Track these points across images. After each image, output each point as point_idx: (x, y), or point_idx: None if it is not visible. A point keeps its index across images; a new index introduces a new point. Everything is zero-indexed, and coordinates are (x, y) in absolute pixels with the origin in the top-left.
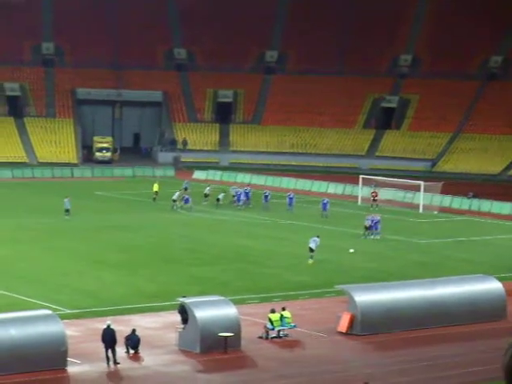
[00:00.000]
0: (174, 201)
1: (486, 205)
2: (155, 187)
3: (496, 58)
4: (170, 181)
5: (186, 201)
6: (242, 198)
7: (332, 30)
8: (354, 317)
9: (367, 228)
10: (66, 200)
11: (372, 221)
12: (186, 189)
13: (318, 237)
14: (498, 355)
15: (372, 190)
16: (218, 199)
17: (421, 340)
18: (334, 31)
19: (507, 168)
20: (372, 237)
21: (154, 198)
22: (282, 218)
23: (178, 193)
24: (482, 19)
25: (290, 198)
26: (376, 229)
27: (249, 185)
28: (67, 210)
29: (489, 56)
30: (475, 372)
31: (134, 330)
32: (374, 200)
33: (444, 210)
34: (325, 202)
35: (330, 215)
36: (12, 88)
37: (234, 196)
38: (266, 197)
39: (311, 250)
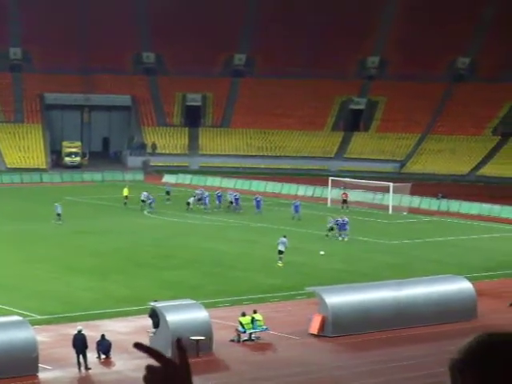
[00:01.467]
0: (143, 201)
1: (455, 205)
2: (125, 192)
3: (463, 59)
4: (139, 185)
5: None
6: (208, 201)
7: (300, 33)
8: (325, 318)
9: (331, 229)
10: (57, 205)
11: (338, 222)
12: (168, 192)
13: (284, 237)
14: None
15: (342, 192)
16: (188, 203)
17: (392, 341)
18: (302, 34)
19: (475, 168)
20: (340, 238)
21: (125, 203)
22: (252, 221)
23: (145, 193)
24: (448, 21)
25: (258, 201)
26: (344, 230)
27: (220, 188)
28: (59, 215)
29: (456, 57)
30: (444, 372)
31: (103, 336)
32: (344, 201)
33: (413, 210)
34: (296, 204)
35: (302, 217)
36: None
37: (200, 200)
38: (236, 200)
39: (280, 252)
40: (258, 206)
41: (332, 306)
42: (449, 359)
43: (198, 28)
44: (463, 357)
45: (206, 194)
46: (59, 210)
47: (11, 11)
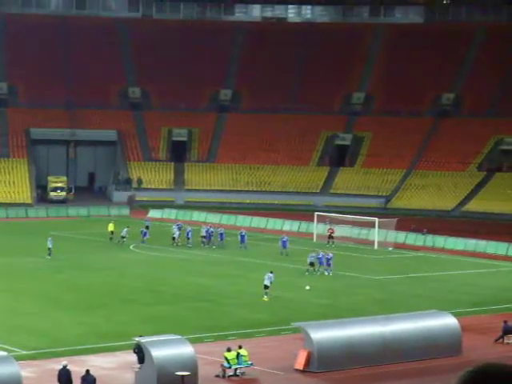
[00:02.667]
0: (123, 237)
1: (440, 241)
2: (110, 227)
3: (448, 95)
4: (125, 220)
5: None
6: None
7: (285, 69)
8: (311, 354)
9: (311, 264)
10: (49, 239)
11: (320, 257)
12: (147, 227)
13: (271, 272)
14: None
15: (328, 227)
16: (173, 238)
17: (377, 377)
18: (288, 69)
19: (460, 204)
20: (326, 273)
21: (111, 238)
22: (237, 256)
23: (126, 229)
24: (433, 57)
25: (242, 236)
26: (329, 265)
27: (209, 224)
28: (49, 249)
29: (441, 93)
30: None
31: (87, 371)
32: (330, 237)
33: (399, 246)
34: (284, 239)
35: (290, 252)
36: None
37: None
38: (221, 235)
39: (266, 286)
40: (242, 241)
41: (317, 341)
42: None
43: (184, 63)
44: None
45: (189, 228)
46: (50, 245)
47: None
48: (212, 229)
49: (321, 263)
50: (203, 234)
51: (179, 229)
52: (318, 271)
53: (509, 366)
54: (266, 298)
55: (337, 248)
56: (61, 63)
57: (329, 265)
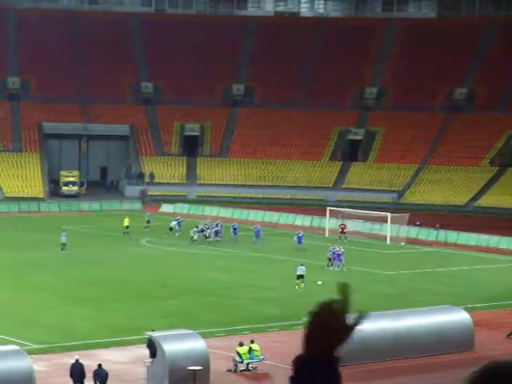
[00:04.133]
0: (171, 229)
1: (453, 236)
2: (126, 222)
3: (460, 90)
4: (137, 214)
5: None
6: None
7: (298, 63)
8: None
9: (330, 259)
10: (63, 234)
11: (334, 252)
12: (148, 221)
13: (302, 265)
14: None
15: (340, 223)
16: (170, 228)
17: (390, 371)
18: (300, 64)
19: (473, 199)
20: (337, 268)
21: (126, 232)
22: (250, 251)
23: (174, 222)
24: (446, 52)
25: (258, 231)
26: (340, 260)
27: (219, 219)
28: (63, 244)
29: (453, 88)
30: None
31: (99, 365)
32: (342, 232)
33: (411, 241)
34: (300, 235)
35: (305, 248)
36: None
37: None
38: (235, 229)
39: (299, 276)
40: (257, 236)
41: None
42: None
43: (197, 58)
44: None
45: (220, 223)
46: (64, 240)
47: (10, 40)
48: (220, 224)
49: (334, 259)
50: (234, 226)
51: (179, 224)
52: (338, 266)
53: None
54: (297, 287)
55: (349, 243)
56: (73, 58)
57: (340, 260)
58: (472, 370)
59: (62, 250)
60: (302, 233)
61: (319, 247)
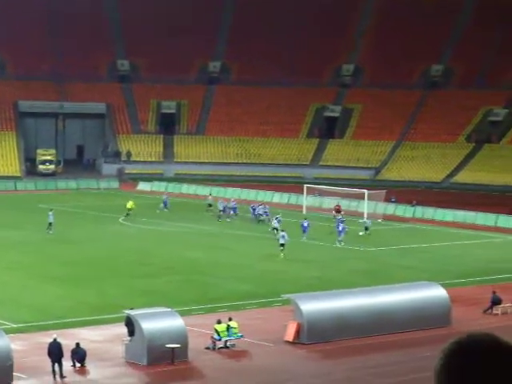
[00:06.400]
0: (222, 211)
1: (429, 212)
2: (129, 204)
3: (437, 67)
4: (114, 193)
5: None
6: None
7: (275, 41)
8: (301, 326)
9: (275, 229)
10: (50, 213)
11: (302, 224)
12: (210, 205)
13: (283, 231)
14: None
15: (335, 204)
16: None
17: (367, 348)
18: (277, 41)
19: (449, 175)
20: (304, 239)
21: (128, 214)
22: (226, 228)
23: (223, 202)
24: (422, 29)
25: (234, 208)
26: (304, 232)
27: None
28: (50, 224)
29: (430, 65)
30: (420, 379)
31: (78, 344)
32: (337, 212)
33: (388, 217)
34: (305, 224)
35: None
36: None
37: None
38: (234, 209)
39: (282, 245)
40: (235, 213)
41: (307, 313)
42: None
43: (173, 35)
44: (441, 359)
45: (224, 203)
46: (51, 219)
47: None
48: (230, 203)
49: (303, 229)
50: (220, 208)
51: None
52: (277, 233)
53: (491, 336)
54: (282, 255)
55: (326, 220)
56: (49, 35)
57: (304, 231)
58: (449, 342)
59: (48, 229)
60: (307, 222)
61: (296, 224)
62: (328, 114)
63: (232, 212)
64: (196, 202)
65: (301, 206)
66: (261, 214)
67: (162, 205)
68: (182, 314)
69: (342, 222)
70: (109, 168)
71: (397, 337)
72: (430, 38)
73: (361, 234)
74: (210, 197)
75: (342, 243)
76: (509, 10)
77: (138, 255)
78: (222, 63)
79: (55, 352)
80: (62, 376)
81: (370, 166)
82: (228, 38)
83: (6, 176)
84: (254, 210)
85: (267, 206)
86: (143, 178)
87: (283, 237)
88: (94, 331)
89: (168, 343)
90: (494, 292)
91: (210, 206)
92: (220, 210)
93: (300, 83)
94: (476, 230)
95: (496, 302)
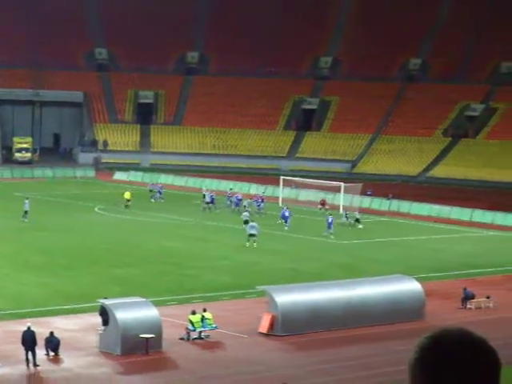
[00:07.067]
0: (151, 191)
1: (405, 206)
2: (127, 195)
3: (415, 60)
4: (90, 182)
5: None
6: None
7: (253, 32)
8: (275, 317)
9: (246, 222)
10: (26, 201)
11: (284, 213)
12: (151, 190)
13: (253, 221)
14: None
15: (321, 199)
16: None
17: (341, 340)
18: (255, 33)
19: (426, 169)
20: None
21: (126, 206)
22: (203, 219)
23: (248, 200)
24: (401, 22)
25: (212, 198)
26: (286, 222)
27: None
28: (26, 212)
29: (408, 59)
30: (393, 372)
31: (51, 333)
32: (323, 205)
33: (364, 210)
34: (285, 213)
35: (290, 226)
36: None
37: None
38: (239, 201)
39: (252, 235)
40: (213, 203)
41: (282, 305)
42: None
43: (152, 25)
44: (415, 353)
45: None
46: (27, 207)
47: None
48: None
49: (284, 219)
50: (207, 200)
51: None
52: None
53: (465, 331)
54: (255, 244)
55: (302, 212)
56: (26, 22)
57: (285, 221)
58: (423, 336)
59: (23, 217)
60: (289, 212)
61: (272, 216)
62: (305, 106)
63: (235, 206)
64: (173, 193)
65: (277, 198)
66: (236, 203)
67: (157, 194)
68: (157, 304)
69: (331, 215)
70: (85, 157)
71: (371, 330)
72: (409, 32)
73: (360, 227)
74: (204, 189)
75: (332, 236)
76: (487, 6)
77: (114, 244)
78: (200, 54)
79: (29, 340)
80: (35, 364)
81: (346, 158)
82: (206, 29)
83: None
84: (231, 199)
85: (240, 195)
86: (120, 168)
87: (253, 227)
88: (69, 320)
89: (142, 333)
90: (464, 288)
91: (205, 197)
92: (207, 202)
93: (278, 75)
94: (451, 225)
95: (469, 297)
